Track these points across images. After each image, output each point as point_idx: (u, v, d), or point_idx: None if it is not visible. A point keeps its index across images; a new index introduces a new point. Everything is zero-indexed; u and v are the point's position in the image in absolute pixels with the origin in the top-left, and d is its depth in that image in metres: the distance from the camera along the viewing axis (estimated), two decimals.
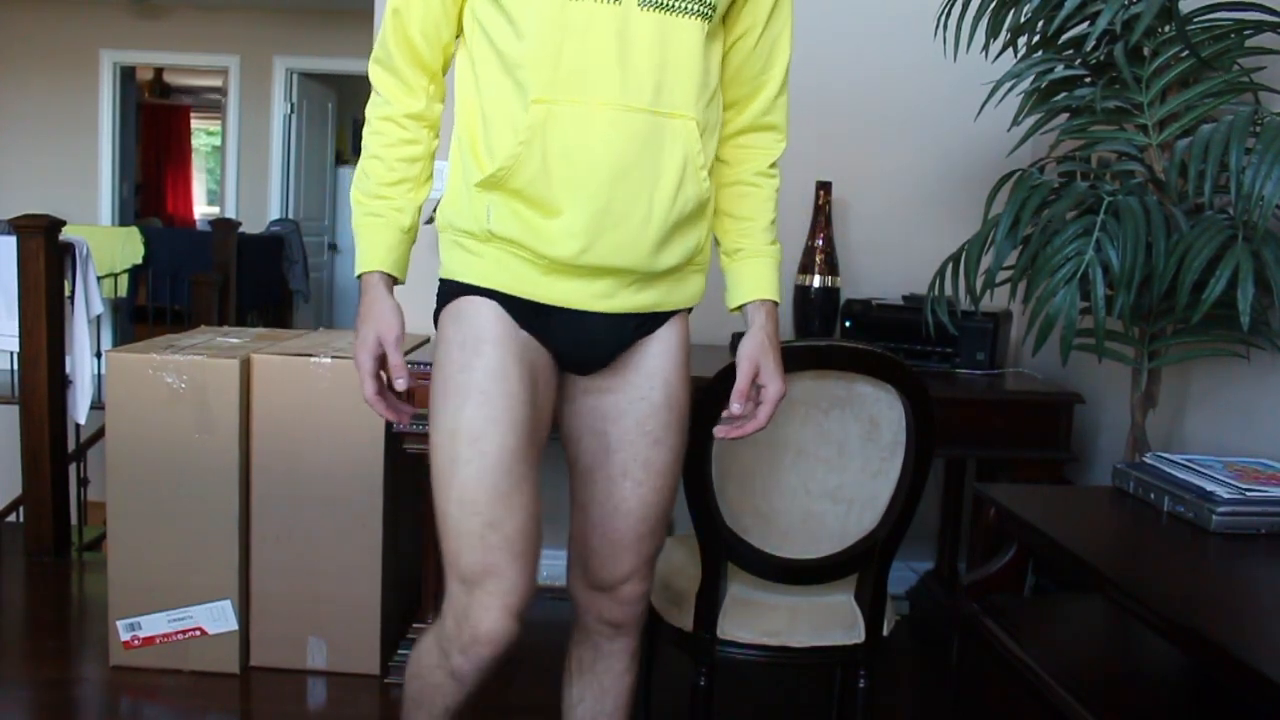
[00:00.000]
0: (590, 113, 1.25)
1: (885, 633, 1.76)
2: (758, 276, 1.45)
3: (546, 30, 1.23)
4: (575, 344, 1.37)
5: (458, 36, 1.38)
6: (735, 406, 1.38)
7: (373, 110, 1.38)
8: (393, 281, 1.39)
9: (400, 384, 1.33)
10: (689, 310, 1.47)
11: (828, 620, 1.73)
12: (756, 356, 1.39)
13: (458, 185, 1.35)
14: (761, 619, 1.71)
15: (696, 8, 1.27)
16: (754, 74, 1.43)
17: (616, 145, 1.25)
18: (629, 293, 1.35)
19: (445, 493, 1.30)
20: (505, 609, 1.28)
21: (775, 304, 1.45)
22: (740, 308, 1.46)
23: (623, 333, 1.38)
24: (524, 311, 1.34)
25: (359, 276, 1.38)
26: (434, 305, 1.42)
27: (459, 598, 1.31)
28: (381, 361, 1.36)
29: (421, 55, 1.35)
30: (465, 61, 1.36)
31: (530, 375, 1.33)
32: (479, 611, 1.29)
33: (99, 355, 3.89)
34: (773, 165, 1.48)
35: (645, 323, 1.39)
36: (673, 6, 1.26)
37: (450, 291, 1.38)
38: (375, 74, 1.37)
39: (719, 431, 1.41)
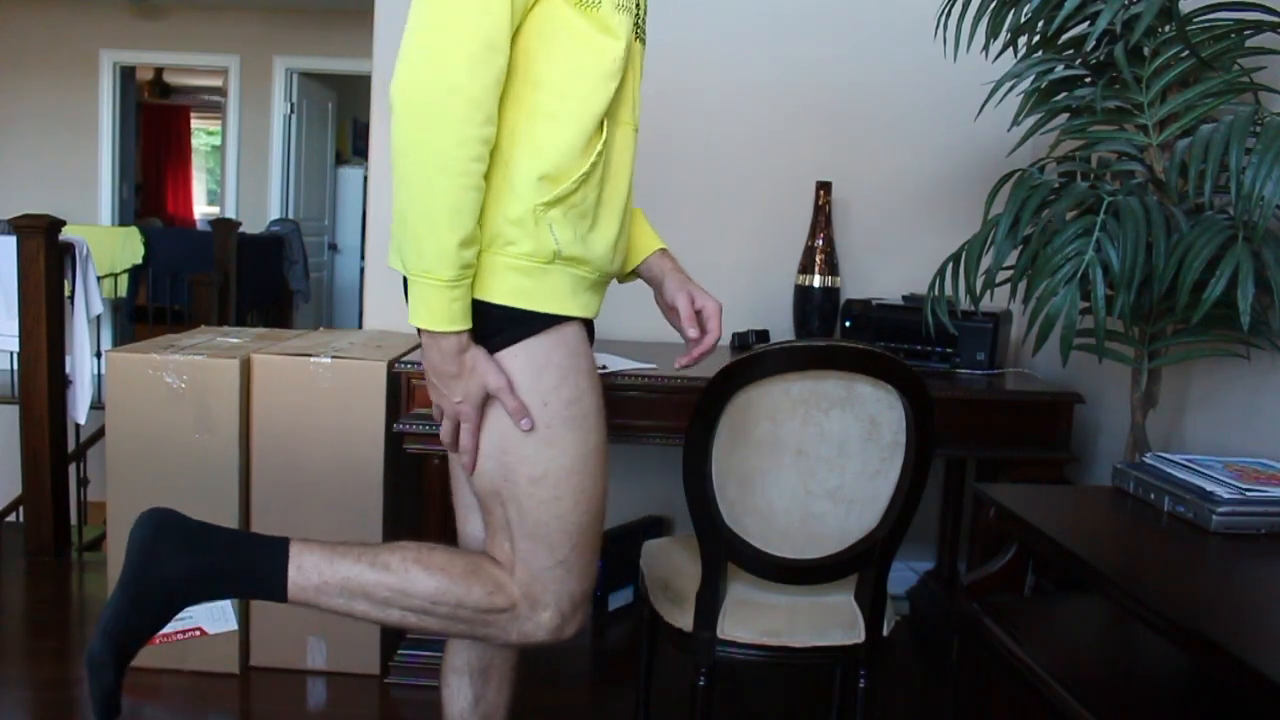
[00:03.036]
0: (618, 130, 1.36)
1: (885, 633, 1.76)
2: (644, 232, 1.59)
3: (621, 58, 1.31)
4: None
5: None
6: (691, 331, 1.52)
7: (469, 130, 1.18)
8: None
9: (526, 424, 1.33)
10: None
11: (828, 620, 1.73)
12: (686, 287, 1.54)
13: (507, 205, 1.26)
14: (761, 619, 1.71)
15: (645, 37, 1.42)
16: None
17: (632, 161, 1.40)
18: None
19: (588, 506, 1.40)
20: (581, 627, 1.47)
21: (665, 249, 1.60)
22: (636, 269, 1.59)
23: None
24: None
25: (441, 332, 1.26)
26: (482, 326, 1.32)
27: (563, 602, 1.42)
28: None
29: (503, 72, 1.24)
30: (526, 82, 1.26)
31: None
32: (575, 620, 1.45)
33: (99, 355, 3.90)
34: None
35: None
36: (643, 39, 1.41)
37: (514, 319, 1.30)
38: (475, 83, 1.18)
39: (680, 361, 1.53)
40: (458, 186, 1.19)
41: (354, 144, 8.74)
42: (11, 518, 3.57)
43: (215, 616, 2.33)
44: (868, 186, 2.88)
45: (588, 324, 1.42)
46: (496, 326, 1.30)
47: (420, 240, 1.21)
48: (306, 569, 1.33)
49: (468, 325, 1.27)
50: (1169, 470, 1.58)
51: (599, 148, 1.29)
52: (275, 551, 1.34)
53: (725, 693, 2.35)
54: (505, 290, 1.29)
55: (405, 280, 1.28)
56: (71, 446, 3.41)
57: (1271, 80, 1.82)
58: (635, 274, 1.60)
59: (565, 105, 1.26)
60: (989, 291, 1.88)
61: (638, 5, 1.36)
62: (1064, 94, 1.91)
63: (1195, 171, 1.65)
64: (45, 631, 2.63)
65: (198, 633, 2.33)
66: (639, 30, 1.37)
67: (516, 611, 1.40)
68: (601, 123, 1.30)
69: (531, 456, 1.34)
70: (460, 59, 1.17)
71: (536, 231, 1.27)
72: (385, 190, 2.81)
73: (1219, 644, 1.06)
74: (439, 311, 1.24)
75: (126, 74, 7.53)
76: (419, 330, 1.29)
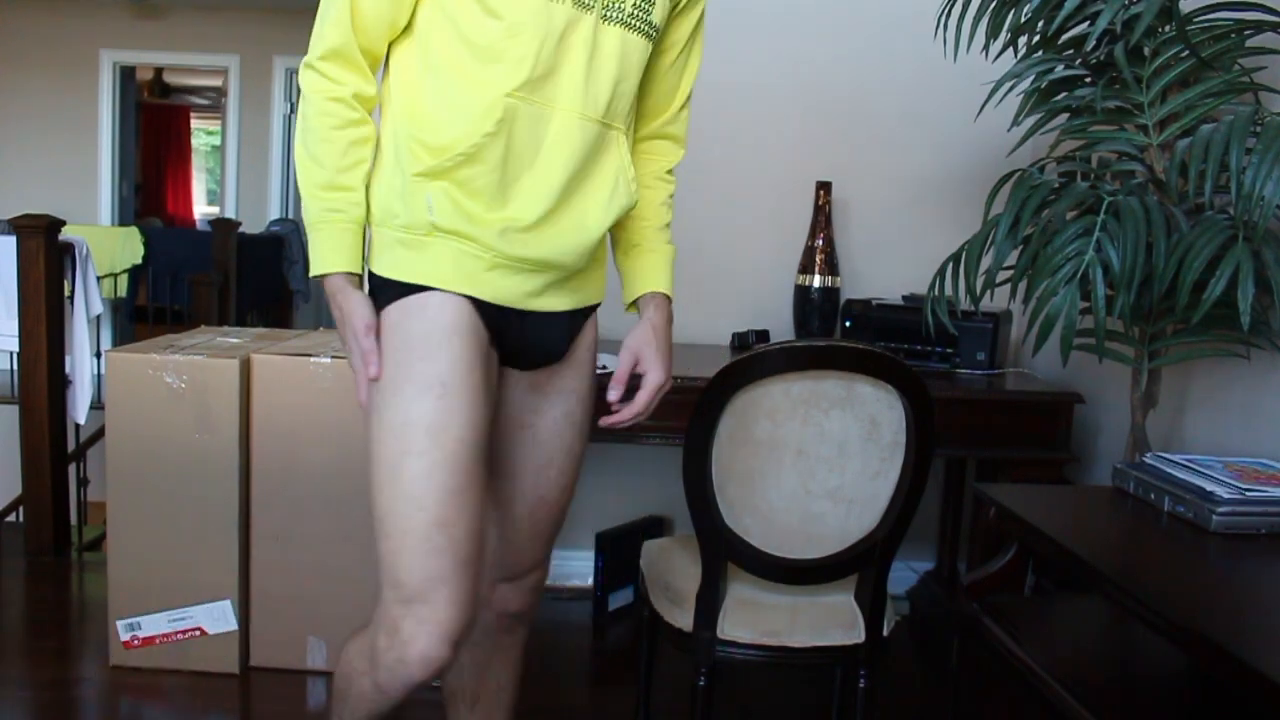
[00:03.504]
0: (554, 115, 1.28)
1: (885, 633, 1.76)
2: (652, 270, 1.50)
3: (529, 27, 1.23)
4: (522, 344, 1.39)
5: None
6: (611, 393, 1.43)
7: (316, 93, 1.30)
8: (358, 279, 1.35)
9: (373, 369, 1.29)
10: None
11: (828, 620, 1.73)
12: (638, 347, 1.45)
13: (391, 177, 1.31)
14: (761, 619, 1.71)
15: (645, 29, 1.33)
16: (668, 89, 1.48)
17: (573, 150, 1.29)
18: (554, 291, 1.37)
19: (390, 489, 1.23)
20: (443, 634, 1.21)
21: (668, 298, 1.50)
22: (635, 303, 1.51)
23: (561, 333, 1.42)
24: (482, 309, 1.33)
25: (320, 277, 1.32)
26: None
27: (391, 610, 1.22)
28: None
29: (374, 41, 1.31)
30: (412, 49, 1.32)
31: (489, 374, 1.33)
32: (413, 628, 1.21)
33: (99, 355, 3.90)
34: (670, 171, 1.54)
35: (575, 323, 1.44)
36: (631, 24, 1.30)
37: (396, 290, 1.32)
38: (322, 61, 1.30)
39: (604, 421, 1.45)
40: (313, 138, 1.30)
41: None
42: (11, 518, 3.57)
43: (215, 616, 2.33)
44: (868, 186, 2.88)
45: (514, 311, 1.34)
46: (378, 296, 1.34)
47: (301, 192, 1.33)
48: None
49: (336, 269, 1.31)
50: (1169, 470, 1.58)
51: (489, 128, 1.24)
52: None
53: (725, 693, 2.35)
54: (387, 263, 1.33)
55: None
56: (71, 446, 3.41)
57: (1271, 80, 1.82)
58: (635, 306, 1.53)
59: (448, 84, 1.27)
60: (989, 291, 1.88)
61: None
62: (1064, 94, 1.91)
63: (1195, 171, 1.65)
64: (45, 631, 2.63)
65: (198, 633, 2.33)
66: (586, 5, 1.26)
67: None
68: (499, 104, 1.24)
69: (369, 424, 1.31)
70: (320, 28, 1.30)
71: (413, 203, 1.29)
72: None
73: (1219, 644, 1.06)
74: (313, 255, 1.32)
75: (126, 74, 7.53)
76: None
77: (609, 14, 1.28)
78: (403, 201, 1.30)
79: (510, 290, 1.33)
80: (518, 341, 1.38)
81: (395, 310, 1.31)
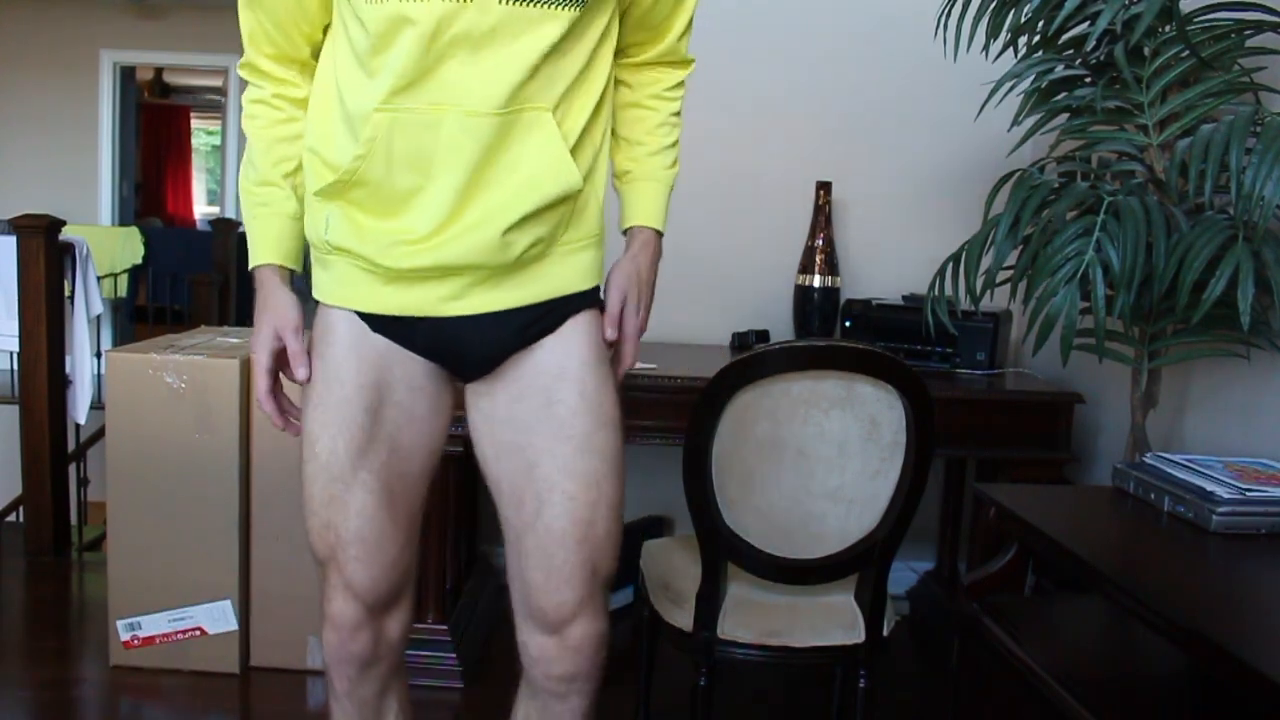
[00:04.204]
0: (445, 117, 1.17)
1: (885, 633, 1.76)
2: (641, 200, 1.42)
3: (388, 34, 1.15)
4: (446, 351, 1.31)
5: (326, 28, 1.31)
6: (609, 333, 1.35)
7: (245, 97, 1.34)
8: (290, 274, 1.35)
9: (301, 373, 1.31)
10: (599, 309, 1.36)
11: (828, 620, 1.73)
12: (625, 287, 1.37)
13: (307, 197, 1.32)
14: (761, 619, 1.71)
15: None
16: (657, 23, 1.37)
17: (470, 151, 1.19)
18: (482, 290, 1.26)
19: (307, 490, 1.32)
20: (349, 594, 1.31)
21: (657, 233, 1.42)
22: (627, 232, 1.43)
23: (501, 333, 1.29)
24: (381, 320, 1.29)
25: (251, 271, 1.34)
26: None
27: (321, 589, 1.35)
28: (280, 359, 1.34)
29: (289, 46, 1.30)
30: (326, 58, 1.30)
31: (374, 380, 1.29)
32: (328, 591, 1.33)
33: (99, 355, 3.90)
34: (673, 87, 1.43)
35: (538, 320, 1.30)
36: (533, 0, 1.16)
37: (320, 309, 1.34)
38: (244, 68, 1.33)
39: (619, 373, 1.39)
40: (249, 142, 1.34)
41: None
42: (11, 518, 3.58)
43: (215, 616, 2.33)
44: (868, 186, 2.88)
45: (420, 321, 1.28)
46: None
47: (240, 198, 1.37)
48: None
49: (261, 260, 1.32)
50: (1169, 470, 1.58)
51: (359, 150, 1.19)
52: None
53: (725, 693, 2.35)
54: (313, 282, 1.36)
55: None
56: (71, 446, 3.41)
57: (1271, 80, 1.82)
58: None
59: (331, 95, 1.26)
60: (989, 291, 1.88)
61: None
62: (1064, 94, 1.91)
63: (1195, 171, 1.65)
64: (45, 631, 2.63)
65: (198, 633, 2.33)
66: None
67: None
68: (368, 119, 1.18)
69: None
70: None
71: (315, 222, 1.30)
72: None
73: (1219, 644, 1.06)
74: (249, 252, 1.34)
75: (126, 74, 7.53)
76: None
77: None
78: (310, 221, 1.31)
79: (418, 300, 1.27)
80: (452, 347, 1.30)
81: (315, 327, 1.34)
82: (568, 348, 1.30)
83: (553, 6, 1.16)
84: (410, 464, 1.33)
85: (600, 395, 1.31)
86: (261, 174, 1.32)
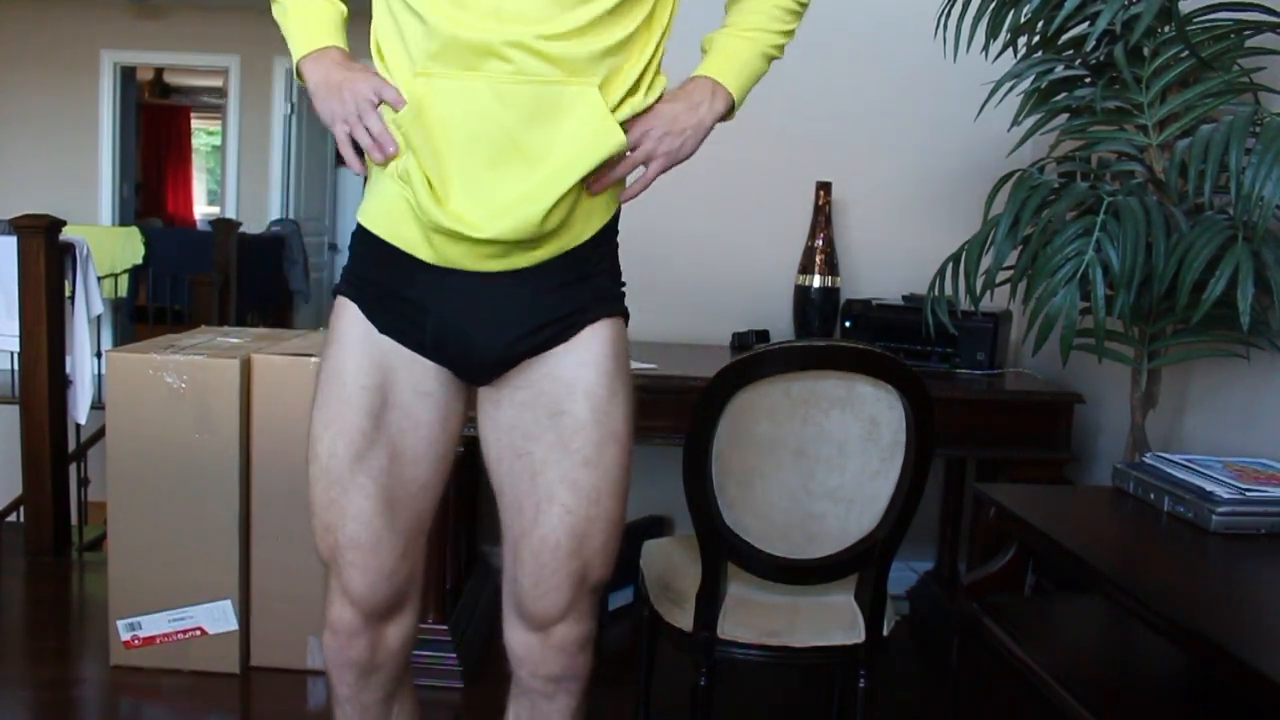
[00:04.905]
0: (473, 85, 1.14)
1: (885, 633, 1.76)
2: (715, 55, 1.34)
3: None
4: (453, 347, 1.26)
5: None
6: (617, 171, 1.25)
7: None
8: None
9: (390, 149, 1.21)
10: (622, 318, 1.33)
11: (828, 620, 1.73)
12: (645, 122, 1.25)
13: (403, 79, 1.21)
14: (761, 619, 1.71)
15: None
16: None
17: (501, 119, 1.14)
18: (520, 251, 1.22)
19: (312, 457, 1.29)
20: (346, 600, 1.29)
21: (718, 85, 1.30)
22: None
23: (519, 307, 1.24)
24: (388, 320, 1.26)
25: (300, 63, 1.26)
26: None
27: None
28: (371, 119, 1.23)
29: None
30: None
31: (378, 383, 1.25)
32: (329, 594, 1.31)
33: (99, 355, 3.89)
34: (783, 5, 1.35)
35: (550, 327, 1.26)
36: None
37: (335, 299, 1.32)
38: None
39: (622, 196, 1.31)
40: None
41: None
42: (11, 518, 3.57)
43: (215, 616, 2.33)
44: (868, 186, 2.88)
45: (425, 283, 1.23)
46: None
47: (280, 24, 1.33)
48: None
49: (324, 43, 1.28)
50: (1169, 470, 1.58)
51: (403, 114, 1.18)
52: None
53: (725, 693, 2.35)
54: (362, 207, 1.32)
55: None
56: (71, 446, 3.41)
57: (1271, 80, 1.82)
58: None
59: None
60: (989, 291, 1.88)
61: None
62: (1064, 94, 1.91)
63: (1195, 172, 1.65)
64: (45, 631, 2.63)
65: (198, 633, 2.33)
66: None
67: None
68: (410, 77, 1.18)
69: None
70: None
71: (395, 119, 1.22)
72: None
73: (1219, 644, 1.06)
74: (292, 43, 1.30)
75: (127, 74, 7.53)
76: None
77: None
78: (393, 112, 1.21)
79: (463, 257, 1.21)
80: (460, 342, 1.25)
81: (329, 323, 1.32)
82: (581, 358, 1.27)
83: None
84: (414, 471, 1.29)
85: (610, 409, 1.28)
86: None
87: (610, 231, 1.32)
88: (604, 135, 1.18)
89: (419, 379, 1.28)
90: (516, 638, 1.34)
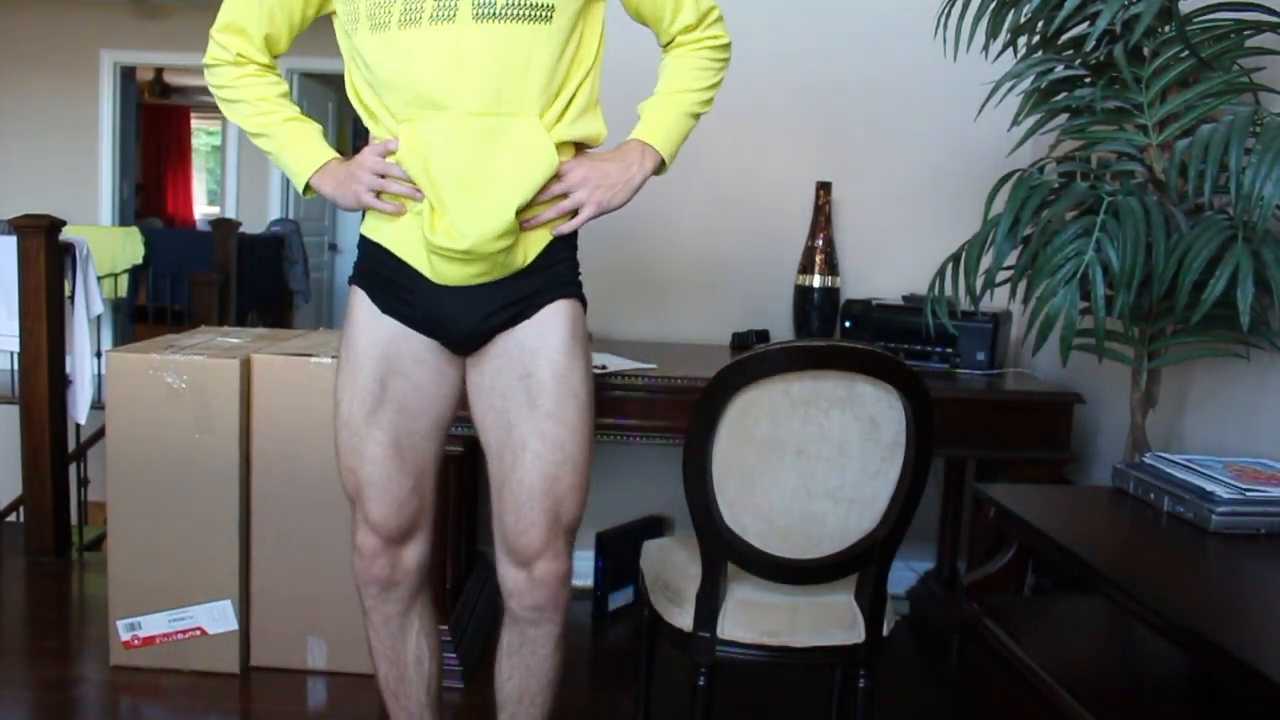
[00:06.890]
0: (438, 124, 1.41)
1: (885, 633, 1.76)
2: (646, 120, 1.59)
3: (384, 60, 1.42)
4: (439, 322, 1.52)
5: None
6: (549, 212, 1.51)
7: (209, 61, 1.56)
8: None
9: (397, 184, 1.48)
10: (578, 300, 1.57)
11: (828, 620, 1.73)
12: (569, 167, 1.50)
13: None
14: (761, 619, 1.71)
15: (529, 13, 1.40)
16: (657, 13, 1.59)
17: (464, 150, 1.41)
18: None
19: (339, 427, 1.58)
20: (368, 528, 1.58)
21: (646, 147, 1.56)
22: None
23: (488, 300, 1.51)
24: (387, 301, 1.53)
25: (308, 183, 1.56)
26: None
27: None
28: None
29: (275, 32, 1.55)
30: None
31: (383, 353, 1.53)
32: (355, 524, 1.60)
33: (99, 355, 3.90)
34: (697, 42, 1.61)
35: (517, 302, 1.51)
36: (504, 15, 1.39)
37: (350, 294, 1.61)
38: (218, 33, 1.54)
39: (555, 230, 1.54)
40: (223, 104, 1.60)
41: (354, 145, 8.73)
42: (11, 518, 3.58)
43: (215, 616, 2.33)
44: (868, 186, 2.88)
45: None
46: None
47: (251, 136, 1.62)
48: None
49: (326, 159, 1.56)
50: (1169, 470, 1.58)
51: (400, 153, 1.46)
52: None
53: (725, 693, 2.35)
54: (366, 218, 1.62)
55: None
56: (71, 446, 3.41)
57: (1271, 80, 1.82)
58: None
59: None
60: (989, 291, 1.88)
61: None
62: (1064, 94, 1.91)
63: (1195, 171, 1.65)
64: (45, 631, 2.63)
65: (198, 633, 2.33)
66: (446, 17, 1.38)
67: None
68: (394, 127, 1.47)
69: None
70: (223, 6, 1.55)
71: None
72: None
73: (1219, 644, 1.06)
74: (293, 167, 1.58)
75: (127, 74, 7.52)
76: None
77: (479, 12, 1.38)
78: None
79: (454, 274, 1.48)
80: (444, 318, 1.52)
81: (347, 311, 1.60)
82: (543, 330, 1.53)
83: (519, 22, 1.40)
84: (417, 423, 1.57)
85: (568, 373, 1.53)
86: (274, 105, 1.57)
87: (569, 240, 1.57)
88: (542, 159, 1.44)
89: (416, 349, 1.55)
90: (507, 574, 1.59)
